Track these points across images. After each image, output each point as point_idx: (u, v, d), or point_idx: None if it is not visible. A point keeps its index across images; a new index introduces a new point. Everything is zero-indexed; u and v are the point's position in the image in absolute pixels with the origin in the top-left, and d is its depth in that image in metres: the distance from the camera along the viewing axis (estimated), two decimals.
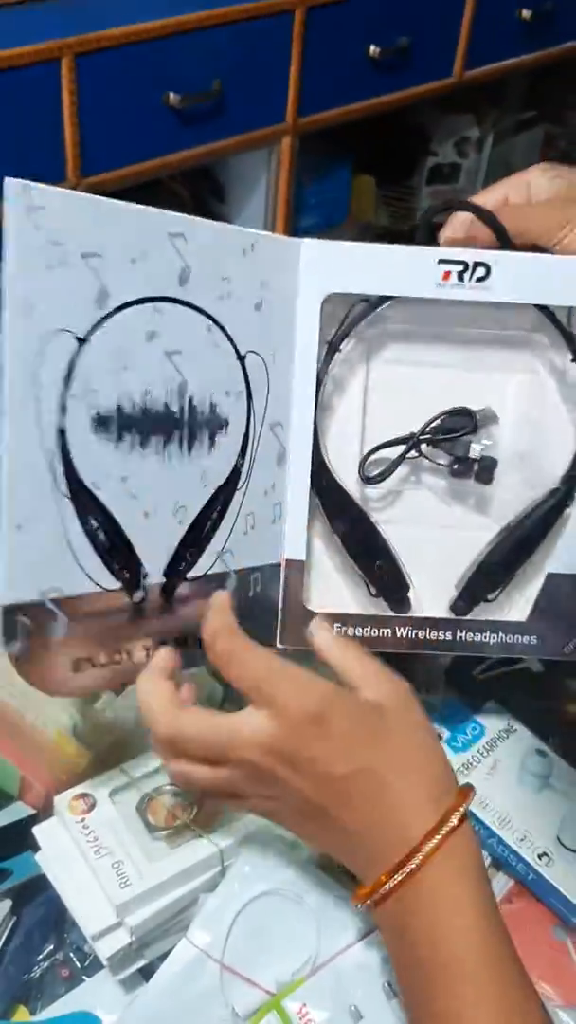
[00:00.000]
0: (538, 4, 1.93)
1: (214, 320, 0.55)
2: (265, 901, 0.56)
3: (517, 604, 0.64)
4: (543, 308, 0.60)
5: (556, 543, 0.62)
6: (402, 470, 0.63)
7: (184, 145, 1.56)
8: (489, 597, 0.63)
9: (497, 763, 0.66)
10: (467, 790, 0.49)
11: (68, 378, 0.49)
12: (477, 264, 0.57)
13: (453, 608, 0.63)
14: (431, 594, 0.63)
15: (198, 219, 0.54)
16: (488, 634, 0.62)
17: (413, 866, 0.46)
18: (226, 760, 0.49)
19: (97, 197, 0.50)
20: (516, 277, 0.58)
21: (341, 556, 0.63)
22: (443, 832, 0.46)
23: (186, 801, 0.58)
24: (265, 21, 1.56)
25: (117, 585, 0.53)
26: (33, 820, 0.61)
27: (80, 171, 1.44)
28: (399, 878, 0.46)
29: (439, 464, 0.63)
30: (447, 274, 0.57)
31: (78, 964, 0.58)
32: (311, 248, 0.58)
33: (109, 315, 0.50)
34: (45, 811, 0.62)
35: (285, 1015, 0.52)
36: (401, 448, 0.62)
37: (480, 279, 0.58)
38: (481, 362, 0.62)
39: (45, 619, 0.50)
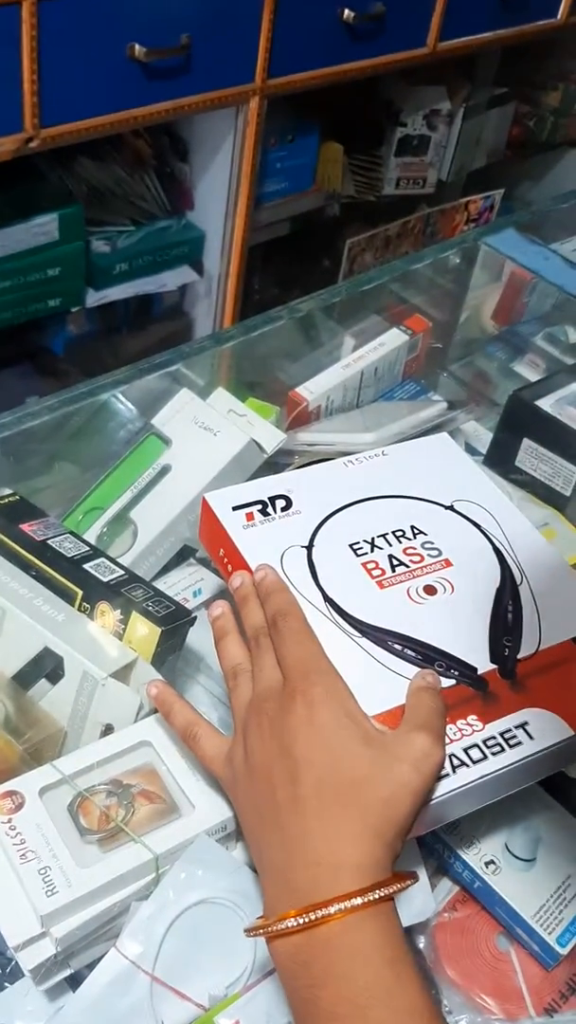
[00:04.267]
0: None
1: None
2: (200, 910, 0.53)
3: None
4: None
5: None
6: None
7: (148, 100, 1.49)
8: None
9: None
10: (407, 877, 0.47)
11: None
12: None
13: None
14: None
15: None
16: None
17: (328, 912, 0.44)
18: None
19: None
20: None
21: None
22: (368, 899, 0.44)
23: (121, 802, 0.55)
24: None
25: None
26: None
27: (39, 122, 1.37)
28: (311, 918, 0.44)
29: None
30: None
31: None
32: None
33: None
34: None
35: None
36: None
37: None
38: None
39: None
